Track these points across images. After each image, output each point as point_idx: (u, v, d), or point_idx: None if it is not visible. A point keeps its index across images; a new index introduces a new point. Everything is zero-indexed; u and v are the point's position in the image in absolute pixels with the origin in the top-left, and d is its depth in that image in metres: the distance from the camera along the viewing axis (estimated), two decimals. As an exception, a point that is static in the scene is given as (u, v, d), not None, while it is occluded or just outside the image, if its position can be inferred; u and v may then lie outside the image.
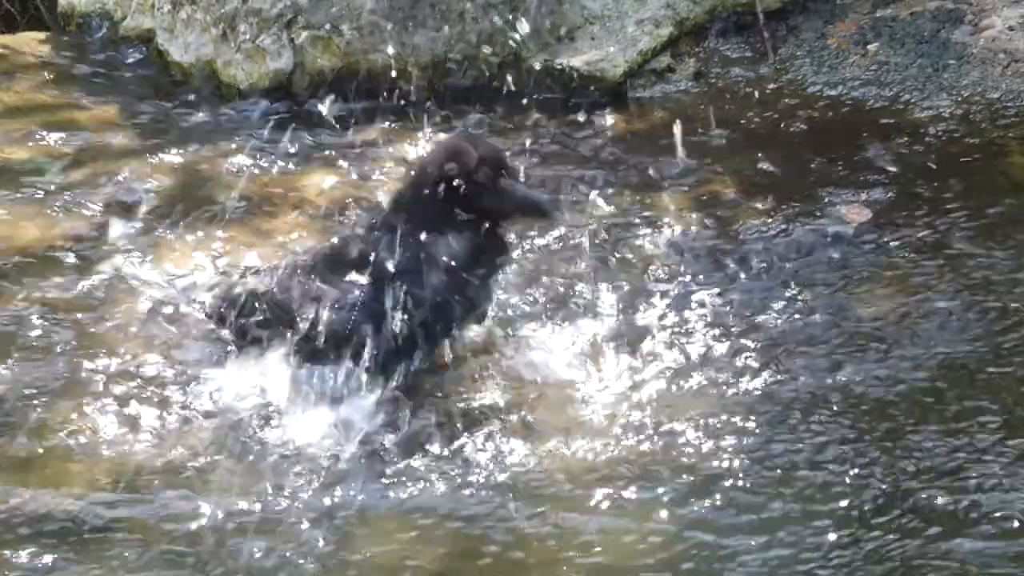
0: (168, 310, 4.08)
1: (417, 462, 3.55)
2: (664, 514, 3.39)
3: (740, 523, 3.36)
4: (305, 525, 3.38)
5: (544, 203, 3.75)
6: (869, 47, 5.28)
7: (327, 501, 3.45)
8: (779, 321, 4.05)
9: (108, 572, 3.28)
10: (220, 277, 4.08)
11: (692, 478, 3.50)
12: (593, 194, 4.56)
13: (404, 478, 3.51)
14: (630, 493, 3.46)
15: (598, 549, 3.31)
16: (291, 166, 4.87)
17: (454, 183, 3.70)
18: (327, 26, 5.24)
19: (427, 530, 3.38)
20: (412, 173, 3.88)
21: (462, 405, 3.74)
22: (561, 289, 4.16)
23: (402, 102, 5.17)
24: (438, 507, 3.43)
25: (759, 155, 4.87)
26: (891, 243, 4.37)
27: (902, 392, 3.77)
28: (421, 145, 4.95)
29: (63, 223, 4.53)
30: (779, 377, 3.84)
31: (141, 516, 3.42)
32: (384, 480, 3.50)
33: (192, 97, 5.33)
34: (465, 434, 3.63)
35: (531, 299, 4.11)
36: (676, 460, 3.56)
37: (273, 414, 3.69)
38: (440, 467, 3.54)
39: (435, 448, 3.59)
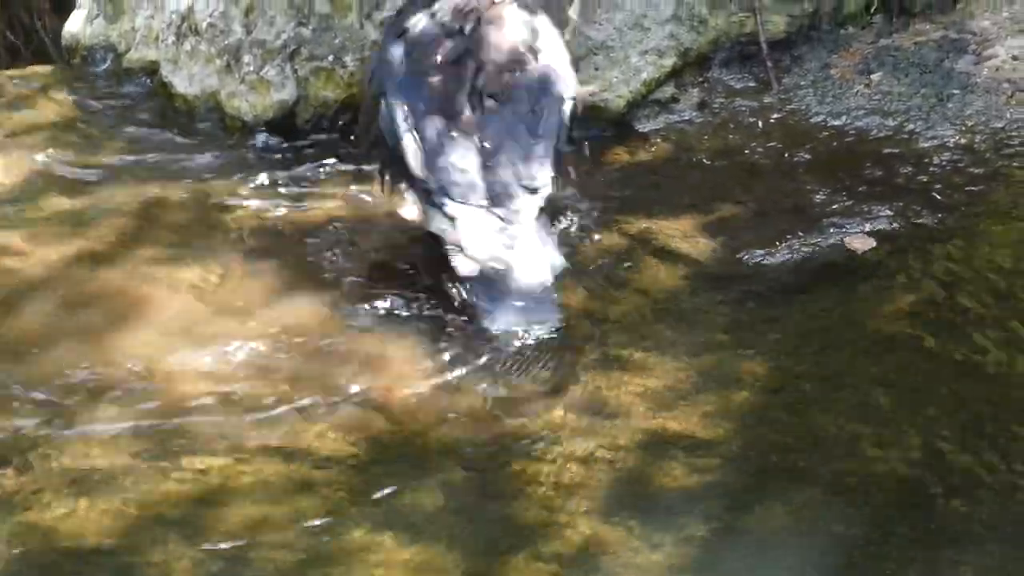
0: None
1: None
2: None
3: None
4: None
5: None
6: (873, 77, 5.28)
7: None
8: (785, 347, 4.06)
9: None
10: None
11: (690, 496, 3.53)
12: (598, 223, 4.58)
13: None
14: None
15: None
16: (297, 198, 4.87)
17: None
18: (330, 57, 5.25)
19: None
20: None
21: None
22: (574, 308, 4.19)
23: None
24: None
25: (763, 185, 4.88)
26: (895, 273, 4.37)
27: (908, 416, 3.77)
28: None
29: (70, 253, 4.53)
30: (783, 399, 3.85)
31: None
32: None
33: (196, 128, 5.34)
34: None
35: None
36: (671, 475, 3.59)
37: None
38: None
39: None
